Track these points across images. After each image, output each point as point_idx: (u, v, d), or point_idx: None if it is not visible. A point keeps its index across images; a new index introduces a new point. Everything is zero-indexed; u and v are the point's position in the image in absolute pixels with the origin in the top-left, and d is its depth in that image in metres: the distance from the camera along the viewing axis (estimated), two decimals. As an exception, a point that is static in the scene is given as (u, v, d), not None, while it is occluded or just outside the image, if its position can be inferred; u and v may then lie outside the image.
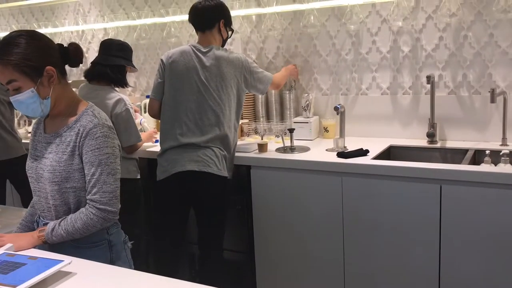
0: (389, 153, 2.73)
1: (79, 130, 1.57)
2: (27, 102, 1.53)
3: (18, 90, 1.52)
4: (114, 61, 2.66)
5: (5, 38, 1.53)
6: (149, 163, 2.94)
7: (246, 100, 2.65)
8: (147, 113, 3.43)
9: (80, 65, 1.72)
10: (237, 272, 2.79)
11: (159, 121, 3.51)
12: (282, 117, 3.18)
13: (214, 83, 2.43)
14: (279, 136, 2.78)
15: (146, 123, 3.10)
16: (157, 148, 2.94)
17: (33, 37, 1.54)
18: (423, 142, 2.73)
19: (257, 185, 2.64)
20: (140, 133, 2.91)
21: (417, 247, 2.25)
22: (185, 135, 2.44)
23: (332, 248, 2.47)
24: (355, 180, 2.36)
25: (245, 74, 2.52)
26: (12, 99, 1.54)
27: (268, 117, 3.21)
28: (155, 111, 2.61)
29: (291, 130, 2.72)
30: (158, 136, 3.08)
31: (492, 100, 2.41)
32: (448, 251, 2.18)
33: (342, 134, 2.71)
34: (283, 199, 2.57)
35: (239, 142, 2.76)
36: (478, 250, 2.12)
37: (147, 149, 2.94)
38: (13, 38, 1.51)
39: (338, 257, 2.46)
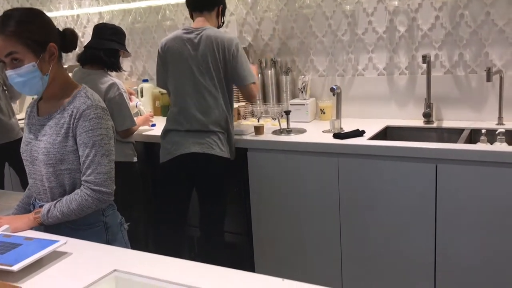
0: (386, 133, 2.73)
1: (72, 111, 1.57)
2: (27, 77, 1.52)
3: (17, 64, 1.50)
4: (107, 44, 2.65)
5: (9, 11, 1.53)
6: (146, 147, 2.94)
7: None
8: (144, 97, 3.44)
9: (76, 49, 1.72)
10: (235, 253, 2.81)
11: (155, 104, 3.53)
12: (278, 100, 3.17)
13: (207, 64, 2.41)
14: (275, 119, 2.78)
15: (142, 106, 3.10)
16: (153, 132, 2.95)
17: (37, 13, 1.56)
18: (419, 122, 2.73)
19: (254, 167, 2.65)
20: (137, 116, 2.92)
21: (413, 225, 2.26)
22: (187, 119, 2.44)
23: (328, 228, 2.48)
24: (351, 160, 2.37)
25: (227, 54, 2.41)
26: (10, 72, 1.51)
27: (264, 100, 3.21)
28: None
29: (288, 112, 2.72)
30: (154, 120, 3.10)
31: (488, 79, 2.40)
32: (444, 229, 2.20)
33: (338, 115, 2.71)
34: (280, 181, 2.58)
35: (236, 125, 2.76)
36: (473, 227, 2.13)
37: (144, 133, 2.94)
38: (18, 11, 1.53)
39: (335, 236, 2.47)
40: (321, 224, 2.50)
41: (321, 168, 2.45)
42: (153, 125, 3.06)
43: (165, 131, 2.53)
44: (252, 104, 2.98)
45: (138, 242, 2.91)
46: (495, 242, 2.11)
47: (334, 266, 2.50)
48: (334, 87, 2.68)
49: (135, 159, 2.79)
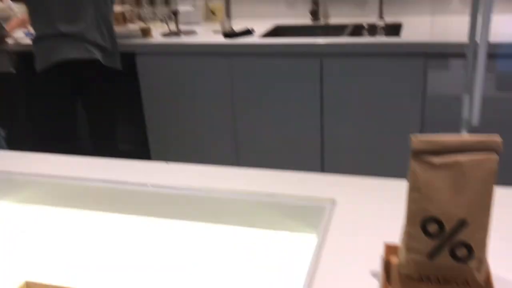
0: (276, 33, 2.75)
1: None
2: None
3: None
4: None
5: None
6: (24, 55, 2.70)
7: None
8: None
9: None
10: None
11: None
12: (166, 1, 3.02)
13: None
14: (163, 21, 2.67)
15: (17, 8, 2.78)
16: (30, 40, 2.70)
17: None
18: (307, 20, 2.77)
19: (144, 72, 2.56)
20: (11, 19, 2.64)
21: (303, 114, 2.37)
22: (60, 19, 2.22)
23: (224, 124, 2.52)
24: (242, 59, 2.38)
25: None
26: None
27: (152, 2, 3.03)
28: None
29: (176, 13, 2.61)
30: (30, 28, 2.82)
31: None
32: (330, 115, 2.34)
33: (228, 15, 2.66)
34: (172, 85, 2.54)
35: (121, 29, 2.61)
36: (355, 111, 2.29)
37: (20, 41, 2.68)
38: None
39: (230, 131, 2.53)
40: (217, 122, 2.54)
41: (214, 69, 2.43)
42: (29, 34, 2.79)
43: (37, 37, 2.30)
44: (137, 7, 2.81)
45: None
46: (374, 124, 2.29)
47: (231, 157, 2.58)
48: (223, -15, 2.61)
49: (12, 69, 2.55)
